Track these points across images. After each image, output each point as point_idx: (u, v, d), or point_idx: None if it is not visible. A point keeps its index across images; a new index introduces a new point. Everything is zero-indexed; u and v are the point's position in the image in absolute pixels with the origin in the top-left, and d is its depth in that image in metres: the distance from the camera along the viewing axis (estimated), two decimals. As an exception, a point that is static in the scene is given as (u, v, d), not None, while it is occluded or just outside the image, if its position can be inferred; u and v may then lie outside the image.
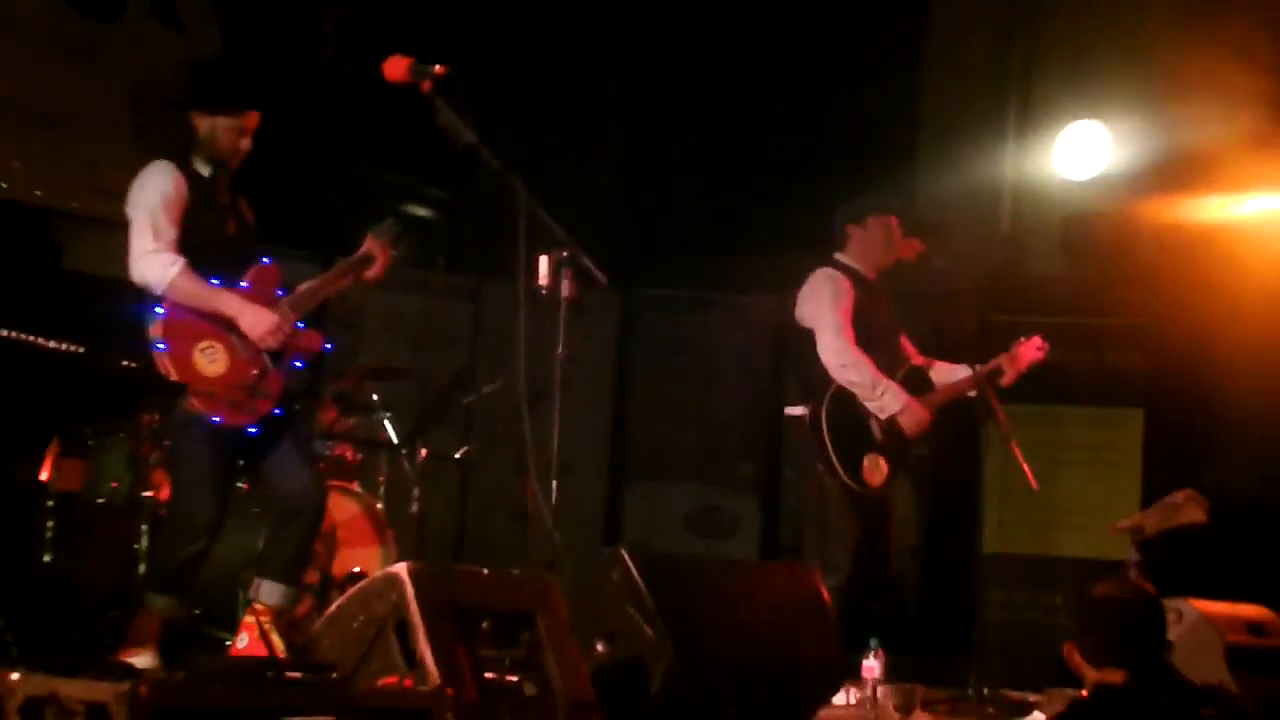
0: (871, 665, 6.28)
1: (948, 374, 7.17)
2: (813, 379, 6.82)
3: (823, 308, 6.82)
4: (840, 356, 6.73)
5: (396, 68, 5.39)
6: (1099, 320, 9.40)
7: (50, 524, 6.71)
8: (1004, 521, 9.43)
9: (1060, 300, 9.48)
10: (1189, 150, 9.00)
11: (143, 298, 5.48)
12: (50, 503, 6.65)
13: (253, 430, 5.56)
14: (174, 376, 5.43)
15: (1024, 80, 9.89)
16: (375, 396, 7.62)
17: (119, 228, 7.11)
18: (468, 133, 5.38)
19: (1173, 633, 6.15)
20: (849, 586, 6.64)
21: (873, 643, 6.24)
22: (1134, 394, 9.33)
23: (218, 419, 5.46)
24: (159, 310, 5.44)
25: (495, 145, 10.11)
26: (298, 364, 5.74)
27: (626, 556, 5.15)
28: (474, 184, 9.75)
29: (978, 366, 6.99)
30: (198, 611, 6.32)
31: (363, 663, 4.50)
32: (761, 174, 9.50)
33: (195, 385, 5.44)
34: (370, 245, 5.92)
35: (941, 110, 10.10)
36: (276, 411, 5.61)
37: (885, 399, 6.75)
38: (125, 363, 6.39)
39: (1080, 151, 9.41)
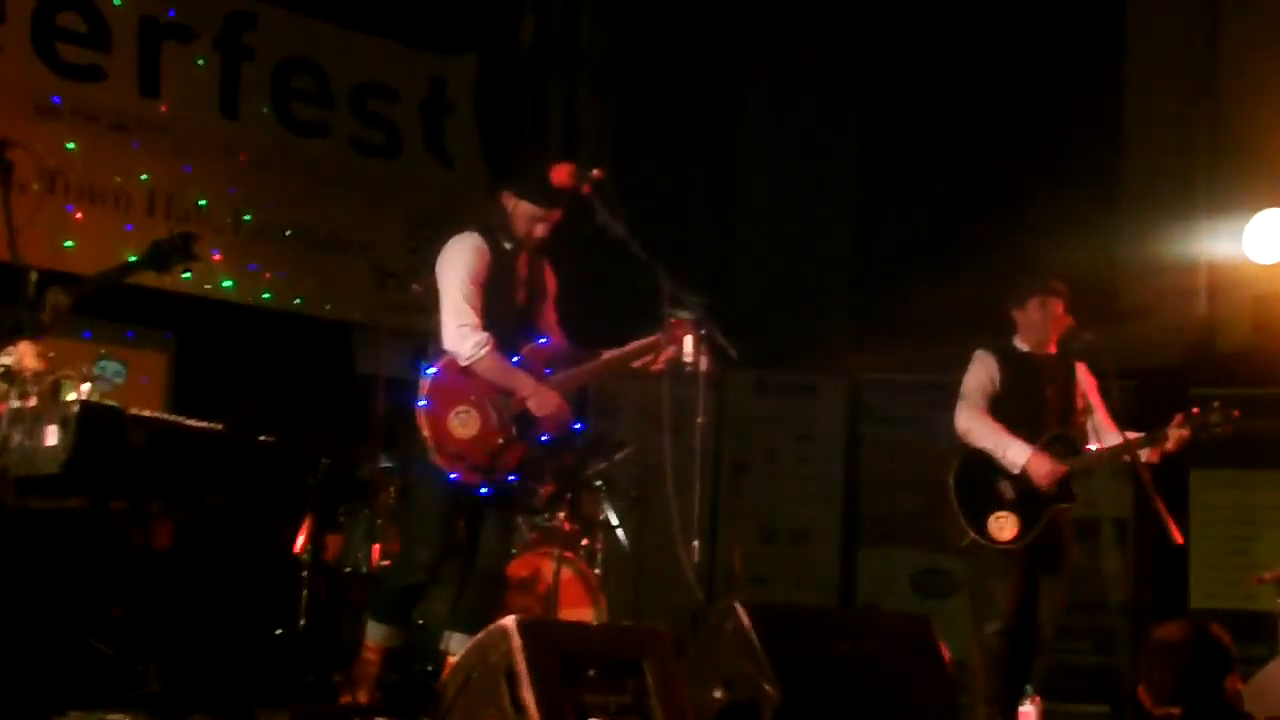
0: (1028, 711, 5.80)
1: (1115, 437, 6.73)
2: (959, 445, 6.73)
3: (965, 383, 6.75)
4: (965, 421, 6.66)
5: (561, 173, 5.49)
6: None
7: (305, 591, 6.55)
8: (1209, 579, 9.21)
9: (1252, 373, 9.20)
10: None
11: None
12: (304, 572, 6.50)
13: (485, 491, 5.49)
14: (426, 433, 5.39)
15: (1210, 168, 9.68)
16: (594, 473, 7.31)
17: (401, 336, 7.28)
18: (619, 227, 5.43)
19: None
20: (1007, 635, 6.42)
21: (1028, 690, 5.80)
22: None
23: (455, 476, 5.41)
24: (430, 370, 5.49)
25: (744, 252, 10.02)
26: (544, 438, 5.57)
27: (739, 608, 4.91)
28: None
29: (1128, 435, 6.58)
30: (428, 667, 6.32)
31: (476, 710, 4.16)
32: (970, 267, 8.95)
33: (443, 444, 5.37)
34: (662, 337, 5.57)
35: (1139, 200, 9.91)
36: (511, 479, 5.53)
37: (1010, 453, 6.54)
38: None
39: (1268, 237, 9.18)
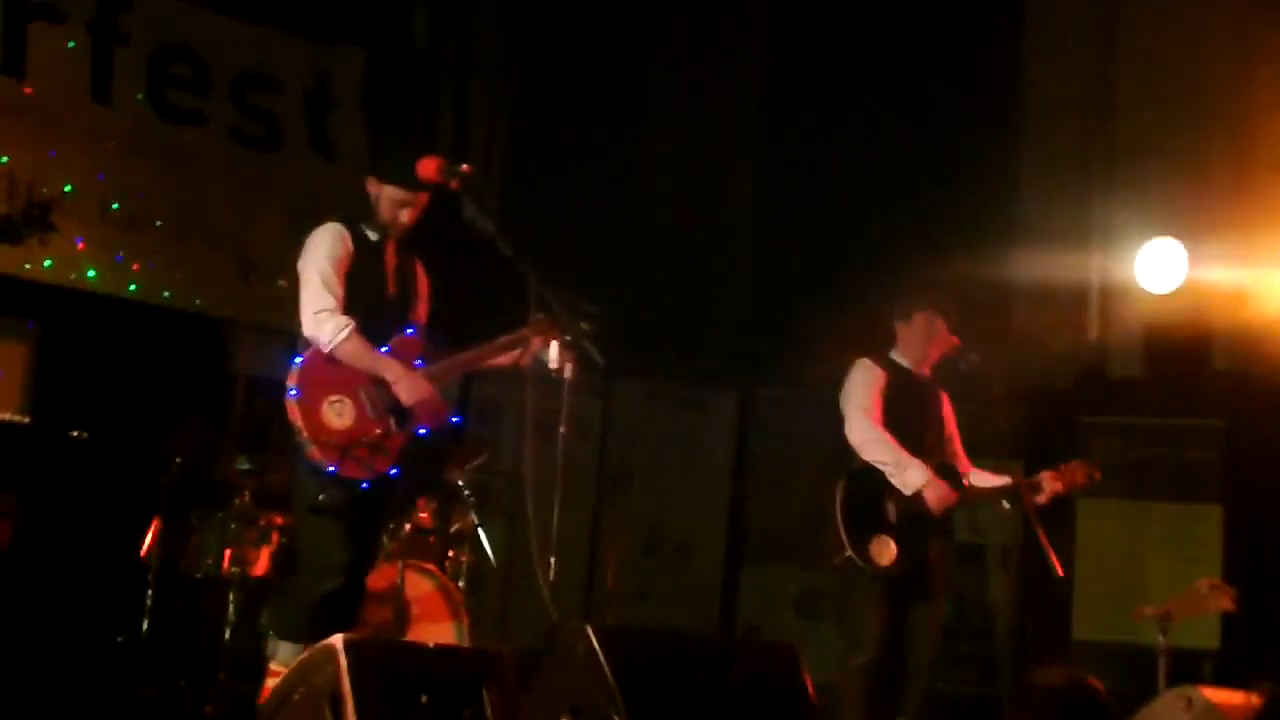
0: None
1: (985, 480, 6.68)
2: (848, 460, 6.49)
3: (853, 393, 6.52)
4: (863, 434, 6.41)
5: (429, 167, 5.37)
6: (1179, 420, 9.06)
7: (150, 595, 6.27)
8: (1094, 609, 9.02)
9: (1143, 401, 9.17)
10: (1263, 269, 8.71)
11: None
12: (150, 577, 6.23)
13: (365, 485, 5.27)
14: (299, 424, 5.17)
15: (1104, 199, 9.51)
16: (461, 482, 7.02)
17: (274, 334, 6.98)
18: (488, 225, 5.33)
19: (1182, 720, 5.40)
20: (874, 666, 6.22)
21: None
22: (1212, 491, 8.91)
23: (333, 469, 5.19)
24: (297, 359, 5.31)
25: (636, 260, 9.75)
26: (421, 431, 5.40)
27: (589, 630, 4.58)
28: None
29: (1019, 480, 6.55)
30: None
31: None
32: (864, 283, 8.81)
33: (319, 435, 5.16)
34: (528, 331, 5.47)
35: (1034, 224, 9.67)
36: (392, 472, 5.34)
37: (909, 474, 6.34)
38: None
39: (1161, 265, 9.03)
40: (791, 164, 10.54)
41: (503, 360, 5.54)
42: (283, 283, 6.77)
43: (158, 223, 8.37)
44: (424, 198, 5.48)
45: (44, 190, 7.85)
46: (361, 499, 5.27)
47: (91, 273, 8.05)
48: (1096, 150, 9.49)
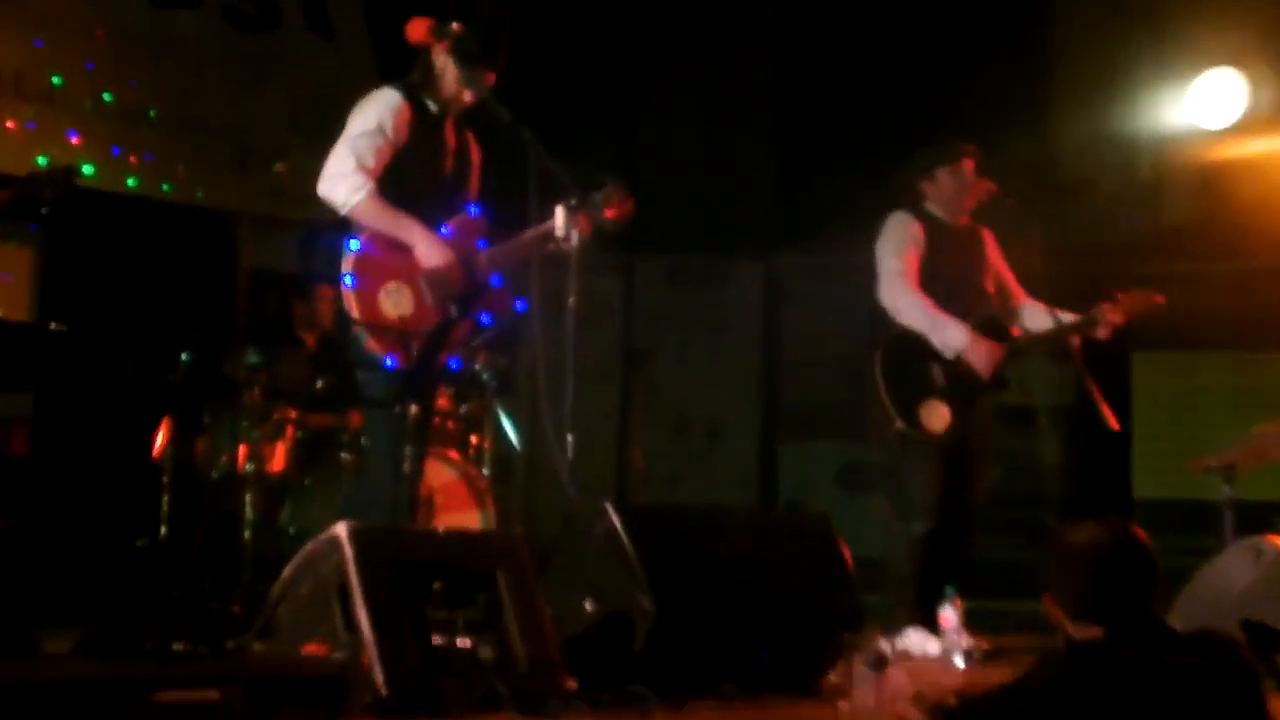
0: (949, 615, 5.71)
1: (1040, 320, 6.42)
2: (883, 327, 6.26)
3: (886, 252, 6.26)
4: (894, 299, 6.18)
5: (417, 29, 5.16)
6: (1239, 265, 8.88)
7: (166, 498, 6.37)
8: (1154, 468, 9.02)
9: (1201, 247, 8.92)
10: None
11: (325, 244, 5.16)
12: (165, 479, 6.13)
13: (419, 374, 5.07)
14: (355, 313, 4.95)
15: (1152, 30, 9.27)
16: (478, 365, 6.84)
17: (282, 224, 6.71)
18: (481, 87, 5.13)
19: (1251, 573, 5.21)
20: (931, 536, 6.05)
21: (949, 591, 5.70)
22: (1275, 337, 8.78)
23: (391, 360, 4.97)
24: (354, 245, 5.02)
25: (656, 117, 9.50)
26: (485, 320, 5.22)
27: (610, 509, 4.46)
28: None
29: (1066, 317, 6.28)
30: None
31: (305, 628, 3.76)
32: (894, 137, 8.58)
33: (375, 324, 4.95)
34: (560, 217, 5.12)
35: (1075, 63, 9.60)
36: (452, 363, 5.19)
37: (947, 334, 6.12)
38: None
39: (1215, 100, 8.76)
40: (814, 20, 10.26)
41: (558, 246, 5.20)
42: (279, 168, 6.54)
43: (152, 113, 8.14)
44: (492, 78, 5.21)
45: (33, 85, 7.65)
46: (429, 390, 5.12)
47: (88, 168, 7.75)
48: None
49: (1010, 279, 6.52)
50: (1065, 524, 3.76)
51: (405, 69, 5.29)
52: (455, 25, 5.12)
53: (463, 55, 5.19)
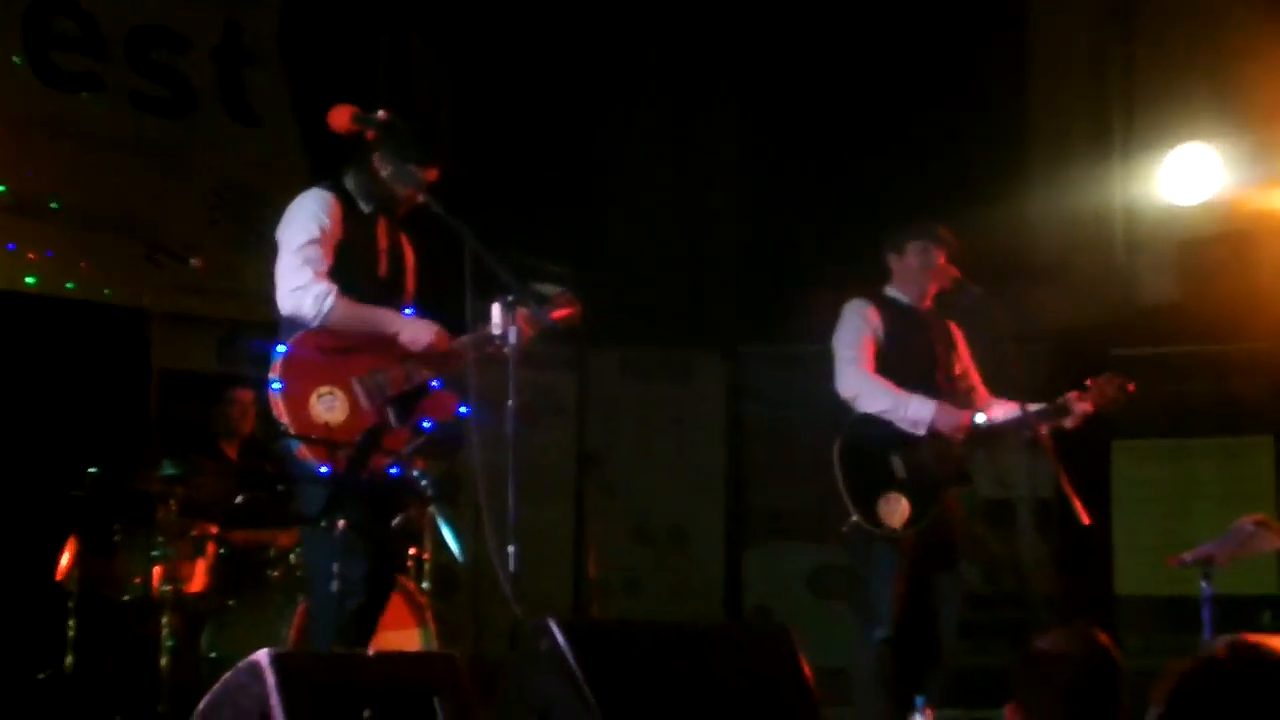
0: None
1: (1007, 412, 6.40)
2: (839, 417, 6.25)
3: (841, 342, 6.30)
4: (853, 386, 6.19)
5: (340, 117, 5.14)
6: (1221, 347, 8.87)
7: (72, 624, 6.06)
8: (1137, 562, 8.91)
9: (1180, 329, 8.96)
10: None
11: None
12: (71, 603, 6.03)
13: (364, 485, 5.01)
14: (286, 419, 4.95)
15: (1125, 106, 9.37)
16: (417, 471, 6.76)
17: (193, 321, 6.94)
18: (413, 179, 5.14)
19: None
20: (893, 641, 6.00)
21: (919, 702, 5.52)
22: (1261, 421, 8.74)
23: (326, 470, 4.95)
24: (281, 348, 5.06)
25: (613, 201, 9.54)
26: (426, 425, 5.17)
27: (553, 624, 4.29)
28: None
29: (1029, 407, 6.21)
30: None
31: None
32: (864, 217, 8.58)
33: (308, 432, 4.95)
34: (496, 315, 5.09)
35: (1047, 141, 9.64)
36: (393, 470, 5.06)
37: (911, 409, 6.12)
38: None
39: (1189, 175, 8.74)
40: (777, 92, 10.33)
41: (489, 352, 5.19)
42: (195, 263, 6.52)
43: (53, 204, 8.01)
44: (433, 174, 5.29)
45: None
46: (369, 501, 5.07)
47: (-20, 266, 7.70)
48: (1112, 49, 9.30)
49: (975, 375, 6.50)
50: (1033, 633, 3.76)
51: (337, 158, 5.33)
52: (382, 113, 5.12)
53: (394, 148, 5.21)
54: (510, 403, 4.88)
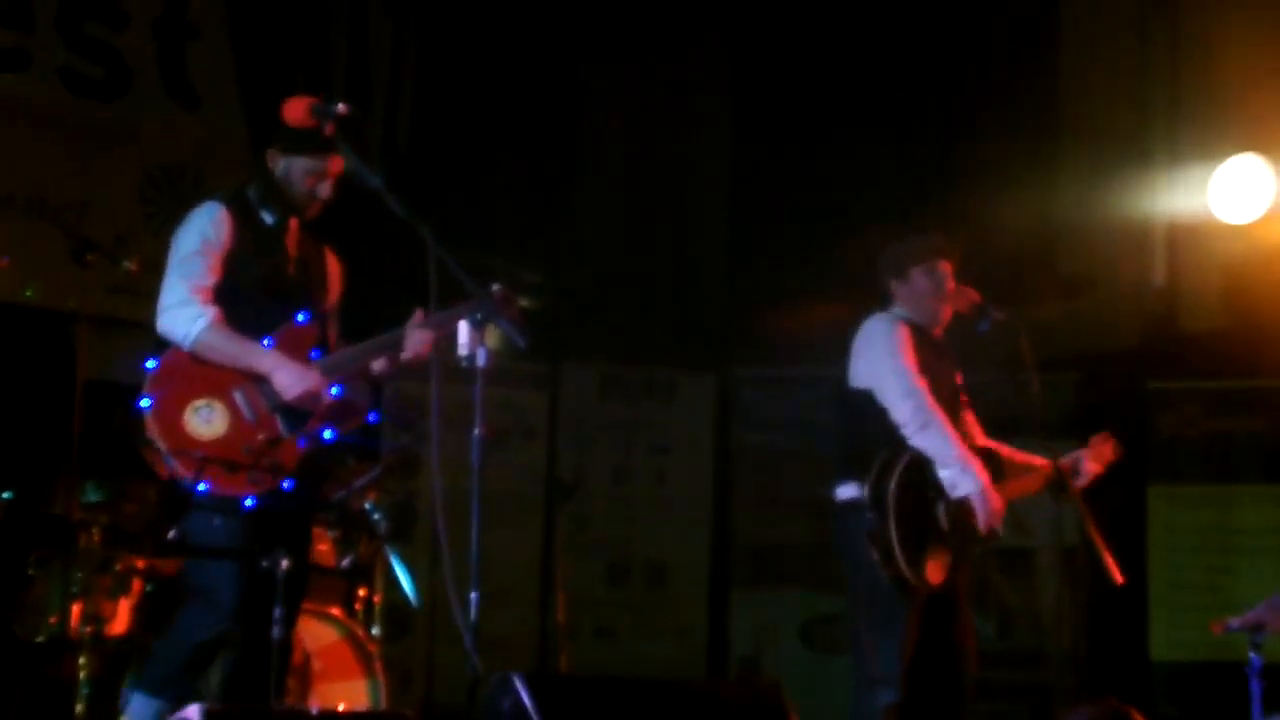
0: None
1: (1019, 464, 6.32)
2: (864, 451, 5.89)
3: (882, 357, 5.96)
4: (919, 414, 5.82)
5: (296, 110, 5.16)
6: (1270, 382, 8.85)
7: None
8: (1175, 624, 8.89)
9: (1225, 360, 8.94)
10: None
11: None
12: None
13: (250, 504, 5.10)
14: (159, 440, 5.06)
15: (1170, 109, 9.30)
16: (369, 504, 6.69)
17: (125, 327, 7.20)
18: (373, 179, 5.08)
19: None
20: (901, 708, 5.80)
21: None
22: None
23: (204, 488, 5.05)
24: (150, 363, 5.21)
25: (597, 218, 9.59)
26: (327, 434, 5.29)
27: (516, 681, 4.54)
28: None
29: (1059, 460, 6.16)
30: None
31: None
32: (870, 226, 8.55)
33: (184, 448, 5.05)
34: (416, 323, 5.35)
35: (1082, 147, 9.60)
36: (285, 485, 5.16)
37: (964, 474, 5.83)
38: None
39: (1239, 190, 8.72)
40: (772, 83, 10.31)
41: (414, 353, 5.33)
42: (128, 264, 6.60)
43: (-31, 196, 7.81)
44: (338, 163, 5.36)
45: None
46: (252, 523, 5.09)
47: (-116, 264, 7.54)
48: (1156, 46, 9.23)
49: (972, 415, 6.31)
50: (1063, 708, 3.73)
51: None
52: (342, 107, 5.11)
53: (288, 141, 5.31)
54: (477, 430, 4.84)
